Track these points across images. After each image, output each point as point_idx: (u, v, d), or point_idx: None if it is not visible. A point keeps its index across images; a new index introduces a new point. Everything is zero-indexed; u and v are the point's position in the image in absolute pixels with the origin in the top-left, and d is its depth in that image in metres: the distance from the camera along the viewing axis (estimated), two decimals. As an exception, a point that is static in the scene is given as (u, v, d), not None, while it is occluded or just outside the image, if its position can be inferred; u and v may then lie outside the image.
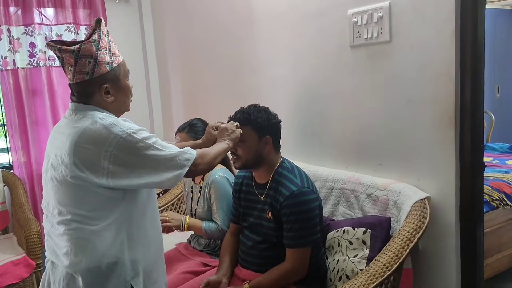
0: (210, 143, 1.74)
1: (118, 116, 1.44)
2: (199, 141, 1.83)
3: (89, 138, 1.31)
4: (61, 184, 1.35)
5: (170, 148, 1.41)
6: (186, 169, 1.40)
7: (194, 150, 1.46)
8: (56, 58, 3.08)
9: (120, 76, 1.44)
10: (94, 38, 1.39)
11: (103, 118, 1.35)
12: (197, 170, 1.46)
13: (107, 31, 1.44)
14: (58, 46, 1.36)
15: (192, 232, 2.28)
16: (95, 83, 1.39)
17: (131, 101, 1.53)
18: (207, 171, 1.61)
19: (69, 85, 1.43)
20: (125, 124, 1.36)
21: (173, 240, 2.36)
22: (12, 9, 3.01)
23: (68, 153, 1.31)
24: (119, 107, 1.47)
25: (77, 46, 1.36)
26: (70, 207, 1.35)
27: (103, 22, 1.43)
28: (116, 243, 1.37)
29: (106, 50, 1.41)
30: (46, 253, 1.48)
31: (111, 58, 1.41)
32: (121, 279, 1.38)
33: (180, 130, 2.26)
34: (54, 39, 1.49)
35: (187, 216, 2.17)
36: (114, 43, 1.45)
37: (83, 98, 1.41)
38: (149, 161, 1.35)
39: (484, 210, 1.94)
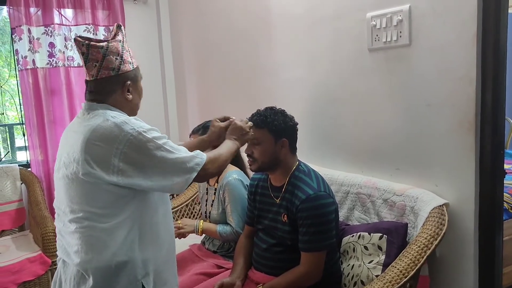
0: (215, 136, 1.75)
1: (130, 116, 1.46)
2: (205, 136, 1.81)
3: (100, 136, 1.32)
4: (72, 182, 1.36)
5: (180, 150, 1.40)
6: (195, 173, 1.40)
7: (204, 154, 1.45)
8: (74, 58, 3.17)
9: (138, 77, 1.50)
10: (119, 38, 1.45)
11: (115, 116, 1.37)
12: (207, 174, 1.45)
13: (126, 35, 1.51)
14: (87, 42, 1.40)
15: (206, 234, 2.29)
16: (119, 80, 1.43)
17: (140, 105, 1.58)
18: (216, 175, 1.60)
19: (87, 82, 1.45)
20: (136, 122, 1.37)
21: (186, 241, 2.35)
22: (32, 10, 3.06)
23: (80, 150, 1.33)
24: (133, 107, 1.51)
25: (105, 43, 1.41)
26: (82, 205, 1.36)
27: (123, 28, 1.49)
28: (127, 242, 1.38)
29: (128, 52, 1.46)
30: (58, 252, 1.49)
31: (131, 59, 1.47)
32: (131, 278, 1.39)
33: (195, 132, 2.27)
34: (82, 35, 1.52)
35: (201, 221, 2.17)
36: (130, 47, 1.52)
37: (102, 95, 1.43)
38: (157, 162, 1.35)
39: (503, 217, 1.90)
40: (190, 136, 2.30)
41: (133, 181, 1.34)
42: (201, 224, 2.15)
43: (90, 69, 1.42)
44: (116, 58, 1.41)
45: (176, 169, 1.37)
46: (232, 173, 2.15)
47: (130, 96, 1.46)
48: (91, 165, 1.31)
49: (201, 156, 1.43)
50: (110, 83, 1.42)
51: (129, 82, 1.45)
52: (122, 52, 1.43)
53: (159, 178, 1.36)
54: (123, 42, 1.45)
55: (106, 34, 3.30)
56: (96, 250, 1.35)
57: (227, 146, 1.62)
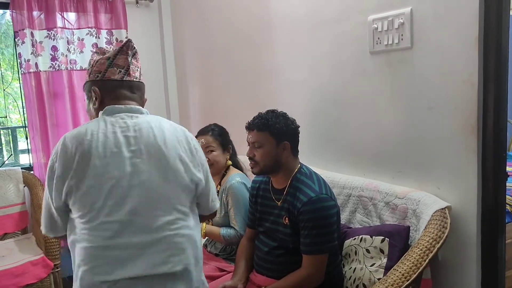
0: None
1: None
2: None
3: (181, 135, 1.45)
4: (166, 182, 1.36)
5: None
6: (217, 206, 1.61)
7: None
8: (77, 61, 3.18)
9: None
10: None
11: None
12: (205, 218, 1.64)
13: None
14: (135, 49, 1.51)
15: (208, 237, 2.29)
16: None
17: None
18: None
19: (128, 82, 1.47)
20: None
21: (189, 244, 2.36)
22: (35, 13, 3.07)
23: (172, 150, 1.39)
24: None
25: None
26: (179, 205, 1.39)
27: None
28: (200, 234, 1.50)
29: None
30: (124, 272, 1.28)
31: None
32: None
33: (203, 133, 2.25)
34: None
35: (204, 224, 2.17)
36: None
37: (141, 97, 1.53)
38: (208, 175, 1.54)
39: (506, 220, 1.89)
40: (196, 137, 2.26)
41: (203, 181, 1.46)
42: (203, 227, 2.15)
43: (134, 71, 1.48)
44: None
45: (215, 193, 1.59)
46: (235, 176, 2.15)
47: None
48: (187, 163, 1.40)
49: None
50: (144, 89, 1.55)
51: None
52: None
53: (212, 187, 1.54)
54: None
55: (108, 37, 3.31)
56: (192, 247, 1.40)
57: None
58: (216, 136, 2.21)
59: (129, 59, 1.46)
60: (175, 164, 1.37)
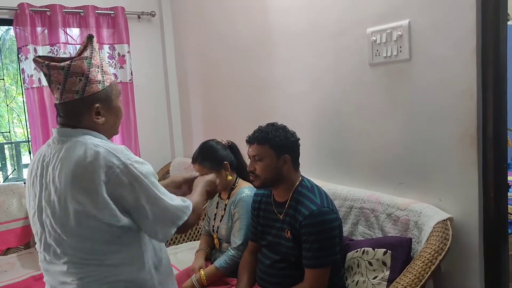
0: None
1: (109, 138, 1.36)
2: (180, 183, 1.71)
3: (84, 169, 1.21)
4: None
5: (166, 195, 1.30)
6: (175, 228, 1.32)
7: (191, 205, 1.37)
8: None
9: (112, 96, 1.36)
10: (86, 55, 1.30)
11: (98, 145, 1.25)
12: (186, 229, 1.36)
13: (99, 48, 1.38)
14: (46, 62, 1.27)
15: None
16: (86, 103, 1.29)
17: (120, 124, 1.45)
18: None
19: (55, 105, 1.33)
20: (124, 152, 1.27)
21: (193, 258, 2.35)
22: (39, 29, 3.11)
23: (67, 187, 1.22)
24: (110, 130, 1.38)
25: (67, 62, 1.27)
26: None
27: (95, 39, 1.34)
28: None
29: (98, 68, 1.32)
30: None
31: (103, 76, 1.32)
32: None
33: (193, 161, 2.16)
34: (42, 55, 1.34)
35: (202, 271, 2.05)
36: (105, 61, 1.38)
37: (72, 119, 1.31)
38: (141, 204, 1.26)
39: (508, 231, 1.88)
40: (192, 163, 2.21)
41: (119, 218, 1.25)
42: (202, 274, 2.03)
43: (54, 91, 1.30)
44: (80, 79, 1.27)
45: (161, 217, 1.28)
46: (245, 190, 2.12)
47: (101, 120, 1.33)
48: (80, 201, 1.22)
49: (189, 207, 1.35)
50: (76, 107, 1.29)
51: (97, 105, 1.31)
52: (89, 71, 1.29)
53: (142, 221, 1.28)
54: (91, 58, 1.31)
55: (110, 52, 3.34)
56: None
57: (201, 199, 1.53)
58: (202, 162, 2.10)
59: (47, 79, 1.31)
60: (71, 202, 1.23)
